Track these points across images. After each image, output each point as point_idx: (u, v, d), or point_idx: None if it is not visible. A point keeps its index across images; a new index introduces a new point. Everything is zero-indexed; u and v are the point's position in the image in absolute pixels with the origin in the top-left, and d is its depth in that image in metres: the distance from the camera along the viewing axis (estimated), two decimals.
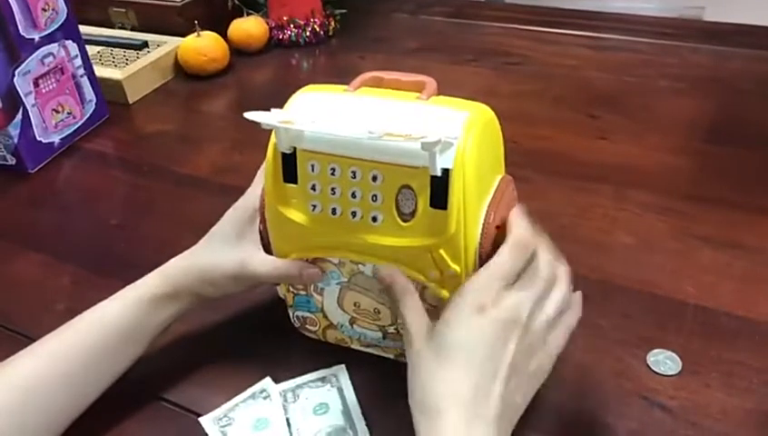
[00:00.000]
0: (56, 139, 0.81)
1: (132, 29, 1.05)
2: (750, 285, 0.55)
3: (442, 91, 0.43)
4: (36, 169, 0.79)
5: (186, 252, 0.49)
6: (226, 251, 0.47)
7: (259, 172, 0.48)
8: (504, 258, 0.38)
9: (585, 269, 0.57)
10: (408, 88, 0.43)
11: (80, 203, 0.76)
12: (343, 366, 0.50)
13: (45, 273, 0.64)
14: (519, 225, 0.40)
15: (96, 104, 0.86)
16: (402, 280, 0.41)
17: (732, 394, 0.47)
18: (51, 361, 0.45)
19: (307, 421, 0.47)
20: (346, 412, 0.47)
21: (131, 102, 0.92)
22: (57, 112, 0.80)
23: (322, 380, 0.50)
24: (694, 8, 1.17)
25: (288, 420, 0.47)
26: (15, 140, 0.75)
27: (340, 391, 0.49)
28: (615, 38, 0.98)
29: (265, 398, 0.48)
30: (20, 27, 0.73)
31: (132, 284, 0.48)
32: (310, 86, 0.45)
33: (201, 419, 0.47)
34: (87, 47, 0.84)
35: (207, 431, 0.47)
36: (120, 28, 1.06)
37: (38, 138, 0.78)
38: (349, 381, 0.49)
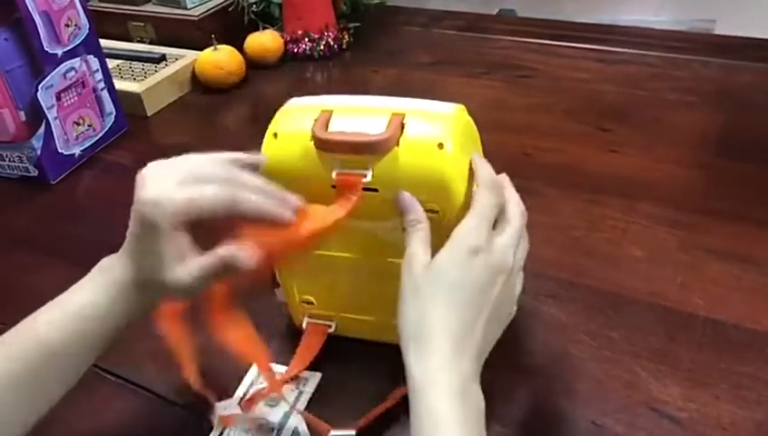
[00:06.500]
0: (77, 151, 0.83)
1: (151, 43, 1.07)
2: (759, 297, 0.56)
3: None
4: (58, 180, 0.81)
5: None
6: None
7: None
8: (485, 199, 0.40)
9: (595, 281, 0.59)
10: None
11: (100, 213, 0.78)
12: (319, 375, 0.50)
13: (68, 282, 0.65)
14: (484, 166, 0.43)
15: (116, 116, 0.88)
16: (419, 211, 0.41)
17: (741, 406, 0.47)
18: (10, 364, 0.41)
19: (254, 407, 0.47)
20: (287, 415, 0.47)
21: (149, 114, 0.94)
22: (78, 124, 0.82)
23: (295, 377, 0.49)
24: (705, 21, 1.18)
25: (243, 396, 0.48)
26: (38, 152, 0.77)
27: (299, 395, 0.49)
28: (625, 51, 0.99)
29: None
30: (44, 43, 0.75)
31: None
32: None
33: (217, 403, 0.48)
34: (107, 61, 0.86)
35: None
36: (138, 42, 1.08)
37: (60, 150, 0.80)
38: (312, 390, 0.49)
